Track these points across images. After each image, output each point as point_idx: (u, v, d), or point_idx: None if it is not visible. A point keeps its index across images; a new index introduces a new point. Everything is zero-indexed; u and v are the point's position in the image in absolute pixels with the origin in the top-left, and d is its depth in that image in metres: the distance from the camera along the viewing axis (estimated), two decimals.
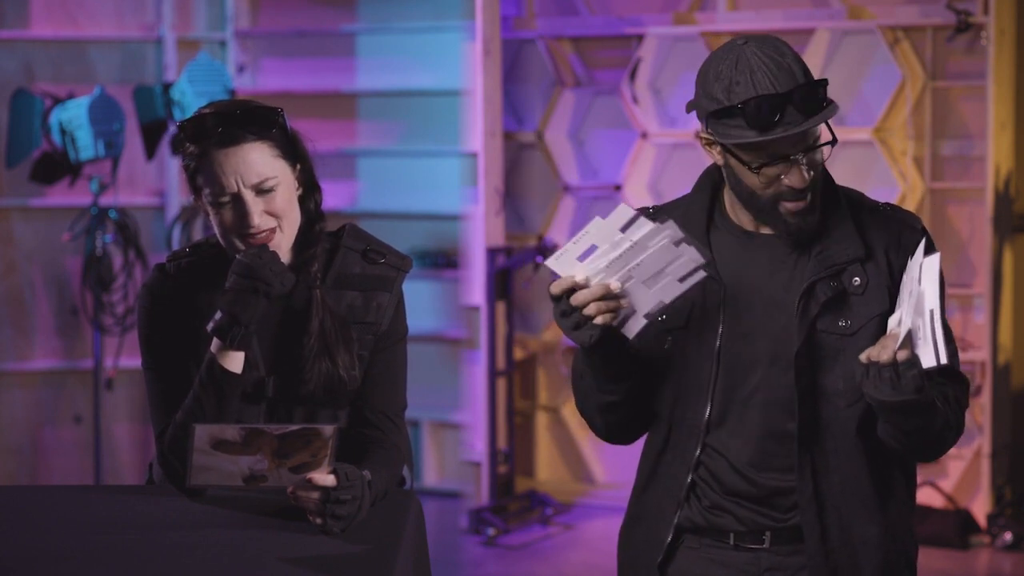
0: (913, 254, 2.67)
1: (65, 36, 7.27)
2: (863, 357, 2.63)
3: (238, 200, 2.88)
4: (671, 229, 2.62)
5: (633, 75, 7.25)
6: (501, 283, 7.08)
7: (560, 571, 6.43)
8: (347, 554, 2.60)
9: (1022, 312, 6.91)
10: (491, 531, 6.79)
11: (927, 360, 2.58)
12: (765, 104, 2.68)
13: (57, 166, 6.75)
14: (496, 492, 7.00)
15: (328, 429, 2.64)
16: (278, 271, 2.88)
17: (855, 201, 2.89)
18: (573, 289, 2.66)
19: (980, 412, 6.67)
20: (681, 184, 6.80)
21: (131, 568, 2.55)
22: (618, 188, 7.33)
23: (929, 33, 6.78)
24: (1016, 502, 6.63)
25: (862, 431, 2.80)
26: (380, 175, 7.60)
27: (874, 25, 6.80)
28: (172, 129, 6.72)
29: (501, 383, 7.10)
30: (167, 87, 6.80)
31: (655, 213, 2.84)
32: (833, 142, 2.76)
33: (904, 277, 2.68)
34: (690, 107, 2.83)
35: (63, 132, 6.65)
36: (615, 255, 2.64)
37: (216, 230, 2.94)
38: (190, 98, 6.65)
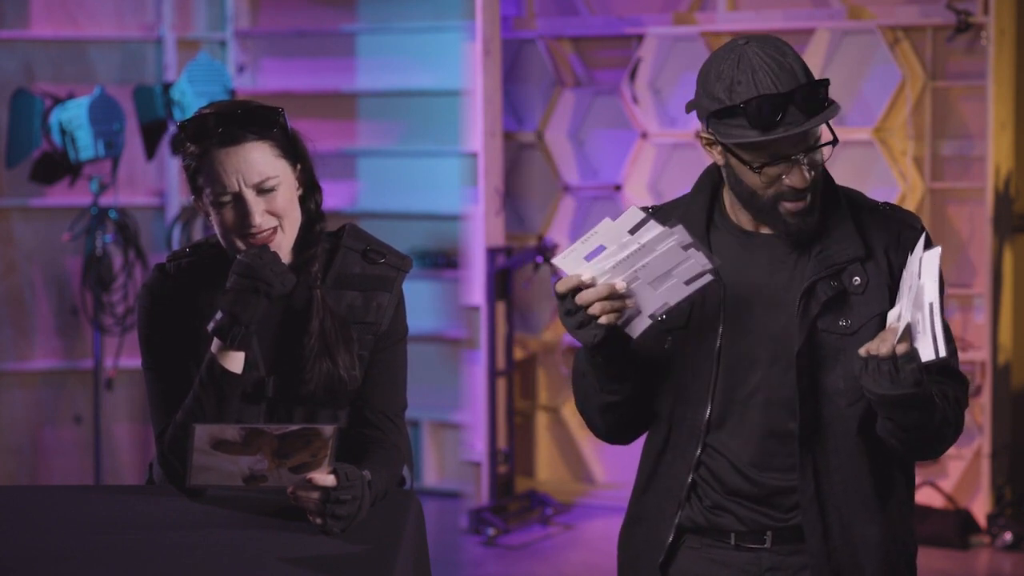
0: (910, 252, 2.68)
1: (65, 36, 7.27)
2: (862, 351, 2.64)
3: (239, 200, 2.88)
4: (680, 233, 2.63)
5: (633, 75, 7.25)
6: (501, 283, 7.08)
7: (560, 571, 6.43)
8: (347, 554, 2.60)
9: (1022, 312, 6.91)
10: (491, 531, 6.80)
11: (926, 353, 2.59)
12: (767, 104, 2.68)
13: (57, 166, 6.75)
14: (496, 492, 7.00)
15: (328, 429, 2.64)
16: (279, 271, 2.88)
17: (855, 201, 2.89)
18: (579, 288, 2.67)
19: (980, 412, 6.67)
20: (681, 184, 6.80)
21: (131, 568, 2.55)
22: (618, 188, 7.33)
23: (929, 33, 6.78)
24: (1016, 502, 6.63)
25: (863, 430, 2.80)
26: (380, 175, 7.60)
27: (874, 25, 6.80)
28: (172, 129, 6.72)
29: (501, 383, 7.10)
30: (167, 87, 6.80)
31: (655, 213, 2.84)
32: (834, 142, 2.76)
33: (904, 273, 2.69)
34: (690, 107, 2.83)
35: (63, 132, 6.65)
36: (622, 256, 2.64)
37: (217, 230, 2.94)
38: (190, 98, 6.65)
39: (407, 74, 7.46)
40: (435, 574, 2.89)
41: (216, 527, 2.72)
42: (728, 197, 2.86)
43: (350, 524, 2.68)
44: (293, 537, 2.66)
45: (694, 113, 2.82)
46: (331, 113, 7.55)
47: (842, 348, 2.78)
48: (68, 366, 7.31)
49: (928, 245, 2.66)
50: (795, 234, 2.80)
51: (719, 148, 2.78)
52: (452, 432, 7.43)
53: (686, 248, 2.64)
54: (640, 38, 7.26)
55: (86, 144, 6.62)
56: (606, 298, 2.66)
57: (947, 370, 2.80)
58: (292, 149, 2.96)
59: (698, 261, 2.65)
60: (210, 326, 2.86)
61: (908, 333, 2.60)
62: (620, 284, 2.65)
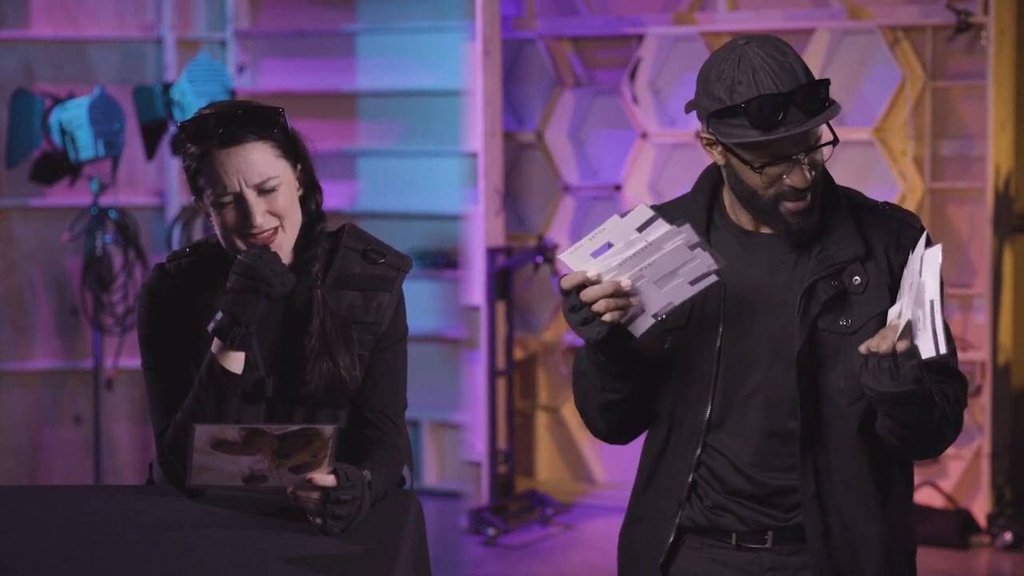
0: (912, 252, 2.68)
1: (65, 36, 7.27)
2: (862, 348, 2.64)
3: (240, 200, 2.88)
4: (687, 232, 2.63)
5: (633, 75, 7.25)
6: (501, 283, 7.08)
7: (560, 571, 6.43)
8: (347, 554, 2.60)
9: (1022, 312, 6.91)
10: (491, 531, 6.80)
11: (927, 350, 2.59)
12: (768, 104, 2.68)
13: (57, 166, 6.75)
14: (496, 492, 7.00)
15: (328, 429, 2.64)
16: (279, 271, 2.88)
17: (854, 201, 2.89)
18: (584, 284, 2.67)
19: (980, 412, 6.67)
20: (681, 184, 6.80)
21: (131, 568, 2.55)
22: (618, 188, 7.33)
23: (929, 33, 6.78)
24: (1016, 502, 6.63)
25: (863, 430, 2.80)
26: (380, 175, 7.60)
27: (874, 25, 6.80)
28: (172, 129, 6.72)
29: (501, 383, 7.10)
30: (167, 87, 6.80)
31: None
32: (835, 142, 2.76)
33: (904, 270, 2.69)
34: (690, 107, 2.83)
35: (63, 132, 6.65)
36: (629, 254, 2.64)
37: (217, 231, 2.93)
38: (190, 98, 6.65)
39: (407, 74, 7.46)
40: (435, 574, 2.89)
41: (216, 527, 2.72)
42: (728, 197, 2.86)
43: (350, 524, 2.68)
44: (293, 537, 2.66)
45: (694, 113, 2.82)
46: (331, 113, 7.56)
47: (842, 347, 2.79)
48: (68, 366, 7.31)
49: (929, 243, 2.66)
50: (795, 234, 2.80)
51: (719, 148, 2.78)
52: (452, 432, 7.43)
53: (693, 248, 2.64)
54: (640, 38, 7.26)
55: (86, 144, 6.62)
56: (611, 295, 2.66)
57: (946, 369, 2.80)
58: (292, 149, 2.96)
59: (704, 261, 2.65)
60: (210, 326, 2.86)
61: (909, 330, 2.60)
62: (625, 282, 2.66)
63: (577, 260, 2.67)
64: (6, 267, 7.25)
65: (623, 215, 2.65)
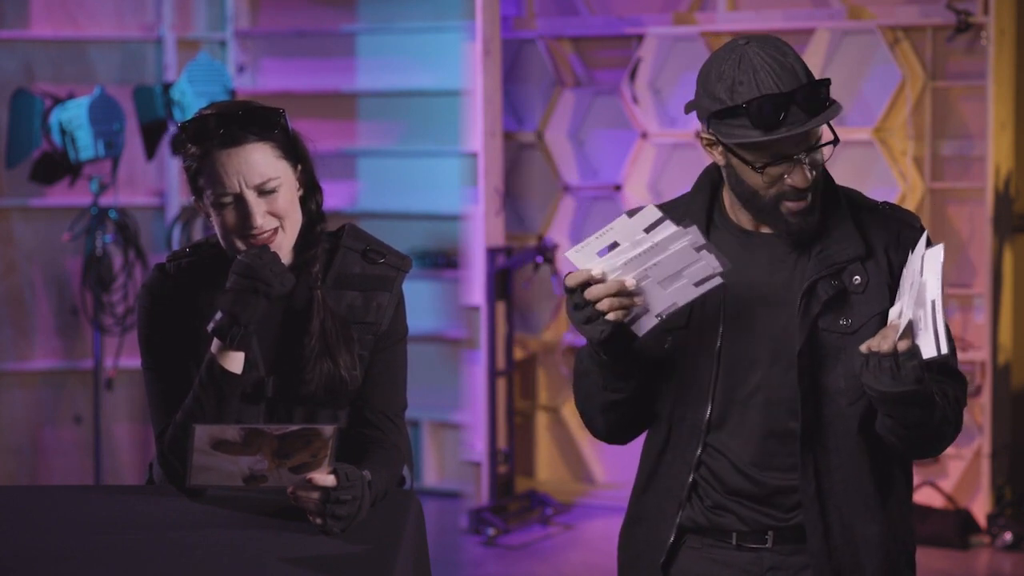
0: (912, 251, 2.68)
1: (65, 36, 7.27)
2: (863, 348, 2.64)
3: (241, 201, 2.88)
4: (694, 234, 2.64)
5: (633, 75, 7.25)
6: (501, 283, 7.08)
7: (560, 571, 6.43)
8: (347, 554, 2.60)
9: (1022, 312, 6.91)
10: (491, 531, 6.80)
11: (928, 350, 2.59)
12: (768, 104, 2.69)
13: (57, 166, 6.75)
14: (496, 492, 7.00)
15: (328, 429, 2.64)
16: (278, 271, 2.88)
17: (854, 200, 2.89)
18: (588, 282, 2.67)
19: (980, 412, 6.67)
20: (681, 184, 6.80)
21: (131, 568, 2.55)
22: (618, 188, 7.33)
23: (929, 33, 6.78)
24: (1016, 502, 6.63)
25: (864, 430, 2.80)
26: (380, 175, 7.60)
27: (874, 25, 6.80)
28: (172, 129, 6.72)
29: (501, 383, 7.10)
30: (167, 87, 6.80)
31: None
32: (835, 142, 2.77)
33: (905, 270, 2.69)
34: (689, 108, 2.83)
35: (63, 132, 6.65)
36: (634, 254, 2.65)
37: (217, 231, 2.94)
38: (190, 98, 6.65)
39: (407, 74, 7.46)
40: (435, 574, 2.89)
41: (216, 527, 2.72)
42: (728, 197, 2.87)
43: (350, 524, 2.68)
44: (293, 537, 2.66)
45: (694, 113, 2.82)
46: (331, 113, 7.56)
47: (843, 347, 2.79)
48: (68, 366, 7.31)
49: (930, 243, 2.66)
50: (796, 234, 2.80)
51: (720, 148, 2.78)
52: (452, 432, 7.43)
53: (699, 250, 2.64)
54: (640, 38, 7.26)
55: (86, 144, 6.62)
56: (615, 294, 2.66)
57: (946, 369, 2.80)
58: (293, 150, 2.96)
59: (709, 263, 2.66)
60: (209, 326, 2.86)
61: (910, 330, 2.60)
62: (630, 281, 2.66)
63: (582, 258, 2.68)
64: (6, 267, 7.25)
65: (631, 215, 2.65)
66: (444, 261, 7.39)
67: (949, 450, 5.58)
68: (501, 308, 7.09)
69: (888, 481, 2.85)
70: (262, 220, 2.89)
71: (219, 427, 2.66)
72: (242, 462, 2.65)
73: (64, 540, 2.67)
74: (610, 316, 2.67)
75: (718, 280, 2.68)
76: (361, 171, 7.63)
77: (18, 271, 7.27)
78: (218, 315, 2.86)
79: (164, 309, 2.97)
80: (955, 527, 6.55)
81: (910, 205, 6.70)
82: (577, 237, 7.36)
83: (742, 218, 2.85)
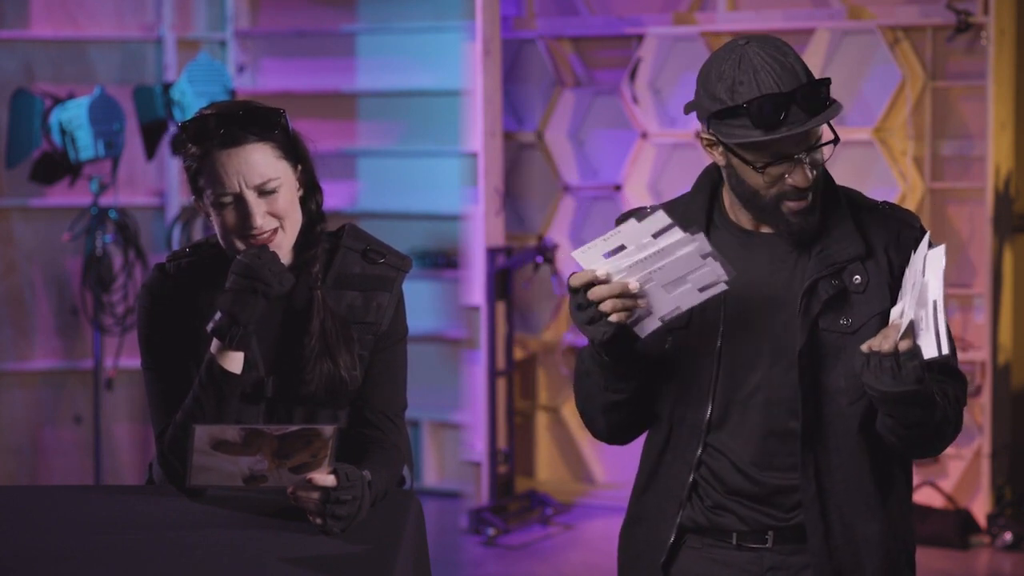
0: (914, 250, 2.68)
1: (65, 36, 7.27)
2: (864, 347, 2.64)
3: (241, 201, 2.88)
4: (700, 241, 2.64)
5: (633, 75, 7.25)
6: (501, 283, 7.08)
7: (560, 571, 6.43)
8: (347, 554, 2.60)
9: (1022, 312, 6.91)
10: (491, 531, 6.80)
11: (929, 350, 2.59)
12: (769, 103, 2.69)
13: (57, 166, 6.75)
14: (496, 492, 7.00)
15: (328, 429, 2.64)
16: (277, 271, 2.88)
17: (854, 200, 2.90)
18: (592, 283, 2.67)
19: (980, 412, 6.67)
20: (681, 184, 6.79)
21: (131, 568, 2.55)
22: (618, 188, 7.33)
23: (929, 33, 6.78)
24: (1016, 502, 6.63)
25: (864, 429, 2.80)
26: (380, 175, 7.60)
27: (874, 25, 6.80)
28: (172, 129, 6.72)
29: (501, 383, 7.10)
30: (167, 87, 6.80)
31: (653, 212, 2.84)
32: (835, 141, 2.77)
33: (907, 270, 2.69)
34: (689, 108, 2.83)
35: (63, 132, 6.65)
36: (640, 256, 2.66)
37: (217, 231, 2.93)
38: (190, 98, 6.65)
39: (407, 74, 7.46)
40: (435, 574, 2.89)
41: (216, 527, 2.72)
42: (728, 197, 2.87)
43: (350, 524, 2.68)
44: (293, 537, 2.66)
45: (694, 113, 2.82)
46: (331, 113, 7.55)
47: (843, 347, 2.79)
48: (68, 366, 7.31)
49: (932, 244, 2.66)
50: (796, 233, 2.80)
51: (720, 148, 2.78)
52: (452, 432, 7.43)
53: (705, 256, 2.65)
54: (640, 38, 7.26)
55: (86, 144, 6.62)
56: (618, 296, 2.66)
57: (946, 369, 2.81)
58: (293, 150, 2.96)
59: (714, 270, 2.66)
60: (209, 326, 2.86)
61: (911, 330, 2.60)
62: (634, 283, 2.66)
63: (588, 259, 2.68)
64: (6, 267, 7.25)
65: (640, 219, 2.65)
66: (444, 261, 7.39)
67: (949, 450, 5.58)
68: (501, 308, 7.09)
69: (888, 481, 2.85)
70: (262, 220, 2.89)
71: (219, 427, 2.66)
72: (242, 462, 2.65)
73: (64, 540, 2.67)
74: (613, 317, 2.67)
75: (722, 287, 2.69)
76: (361, 171, 7.63)
77: (18, 271, 7.27)
78: (218, 315, 2.86)
79: (164, 309, 2.97)
80: (955, 527, 6.55)
81: (910, 205, 6.70)
82: (577, 237, 7.36)
83: (742, 218, 2.85)
